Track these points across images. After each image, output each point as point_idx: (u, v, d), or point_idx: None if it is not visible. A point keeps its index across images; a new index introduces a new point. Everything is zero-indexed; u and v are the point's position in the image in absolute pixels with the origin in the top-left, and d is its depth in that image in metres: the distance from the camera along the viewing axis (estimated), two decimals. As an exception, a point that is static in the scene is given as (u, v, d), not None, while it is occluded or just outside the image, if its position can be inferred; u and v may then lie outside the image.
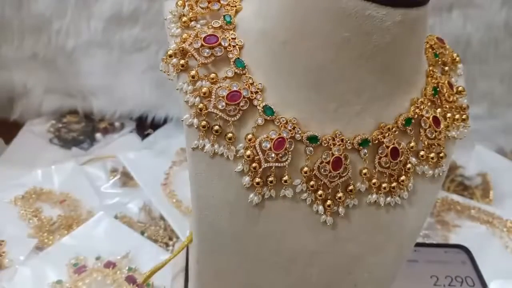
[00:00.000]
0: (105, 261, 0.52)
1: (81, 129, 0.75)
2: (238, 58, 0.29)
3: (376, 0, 0.27)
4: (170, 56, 0.29)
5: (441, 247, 0.56)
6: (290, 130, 0.29)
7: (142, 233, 0.57)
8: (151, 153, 0.67)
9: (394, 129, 0.31)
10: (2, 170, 0.66)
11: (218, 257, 0.33)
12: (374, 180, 0.31)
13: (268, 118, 0.29)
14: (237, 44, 0.30)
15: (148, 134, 0.74)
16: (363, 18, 0.27)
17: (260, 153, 0.29)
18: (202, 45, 0.29)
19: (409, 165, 0.31)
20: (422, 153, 0.32)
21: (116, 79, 0.74)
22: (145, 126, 0.75)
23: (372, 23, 0.27)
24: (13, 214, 0.58)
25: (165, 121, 0.76)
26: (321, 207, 0.30)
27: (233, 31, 0.30)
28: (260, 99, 0.29)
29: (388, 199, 0.32)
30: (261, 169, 0.29)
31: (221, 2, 0.31)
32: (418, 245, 0.55)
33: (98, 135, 0.73)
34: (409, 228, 0.34)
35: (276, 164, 0.29)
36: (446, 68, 0.35)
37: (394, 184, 0.31)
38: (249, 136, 0.29)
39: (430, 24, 0.69)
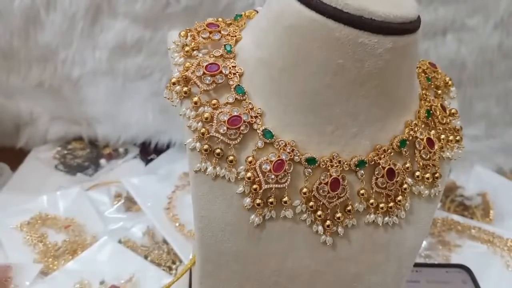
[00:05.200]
0: (109, 286, 0.53)
1: (86, 155, 0.76)
2: (238, 85, 0.31)
3: (368, 29, 0.28)
4: (174, 83, 0.31)
5: (443, 267, 0.56)
6: (289, 153, 0.30)
7: (146, 257, 0.58)
8: (154, 178, 0.68)
9: (389, 150, 0.32)
10: (8, 196, 0.67)
11: (220, 278, 0.33)
12: (371, 200, 0.32)
13: (268, 141, 0.30)
14: (237, 72, 0.31)
15: (151, 159, 0.75)
16: (356, 45, 0.29)
17: (260, 175, 0.30)
18: (204, 73, 0.31)
19: (405, 186, 0.32)
20: (417, 173, 0.33)
21: (120, 106, 0.75)
22: (148, 151, 0.76)
23: (364, 50, 0.29)
24: (19, 239, 0.59)
25: (168, 147, 0.77)
26: (320, 227, 0.31)
27: (233, 59, 0.32)
28: (260, 123, 0.31)
29: (386, 218, 0.32)
30: (261, 190, 0.30)
31: (222, 32, 0.33)
32: (420, 265, 0.56)
33: (102, 161, 0.74)
34: (408, 247, 0.34)
35: (276, 185, 0.30)
36: (439, 91, 0.36)
37: (391, 204, 0.32)
38: (250, 159, 0.30)
39: (425, 48, 0.71)
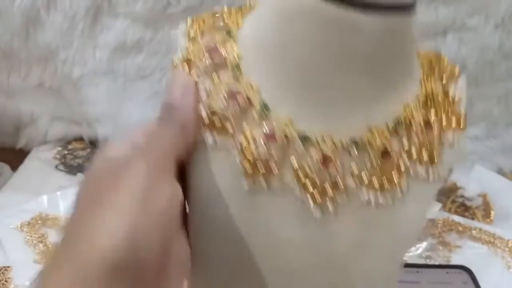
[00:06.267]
0: None
1: (86, 155, 0.76)
2: (237, 65, 0.32)
3: (360, 8, 0.28)
4: (176, 65, 0.32)
5: (443, 268, 0.56)
6: (283, 128, 0.31)
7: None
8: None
9: (384, 131, 0.31)
10: (8, 196, 0.67)
11: (212, 246, 0.34)
12: (365, 179, 0.31)
13: (264, 115, 0.31)
14: (236, 55, 0.32)
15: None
16: (348, 25, 0.28)
17: (253, 146, 0.30)
18: (204, 55, 0.32)
19: (401, 167, 0.31)
20: (414, 154, 0.32)
21: (121, 106, 0.75)
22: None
23: (357, 30, 0.28)
24: (19, 240, 0.58)
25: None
26: (311, 203, 0.31)
27: (234, 43, 0.33)
28: (257, 98, 0.31)
29: (380, 198, 0.32)
30: (254, 161, 0.30)
31: (226, 21, 0.34)
32: (420, 266, 0.56)
33: (103, 161, 0.74)
34: (403, 230, 0.33)
35: (269, 157, 0.31)
36: (444, 79, 0.35)
37: (386, 184, 0.31)
38: (246, 131, 0.31)
39: (425, 48, 0.71)
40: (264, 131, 0.31)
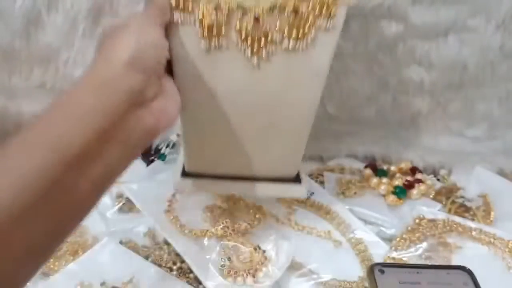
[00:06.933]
0: (110, 287, 0.53)
1: (87, 156, 0.76)
2: None
3: None
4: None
5: (443, 268, 0.56)
6: (227, 2, 0.44)
7: (147, 258, 0.58)
8: (154, 184, 0.68)
9: None
10: (10, 197, 0.67)
11: (188, 94, 0.48)
12: (285, 32, 0.46)
13: None
14: None
15: (153, 160, 0.75)
16: None
17: (207, 16, 0.45)
18: None
19: (309, 20, 0.45)
20: (317, 11, 0.46)
21: (122, 107, 0.75)
22: (149, 152, 0.76)
23: None
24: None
25: (168, 147, 0.77)
26: (249, 52, 0.47)
27: None
28: None
29: (297, 44, 0.46)
30: (208, 27, 0.45)
31: None
32: (420, 266, 0.56)
33: (103, 162, 0.74)
34: (315, 66, 0.49)
35: (218, 22, 0.45)
36: None
37: (300, 33, 0.46)
38: (201, 7, 0.44)
39: (426, 49, 0.71)
40: (214, 5, 0.44)
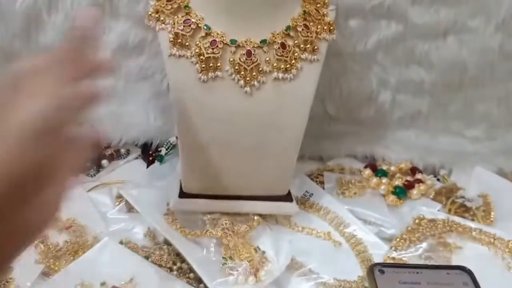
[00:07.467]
0: (110, 287, 0.53)
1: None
2: (186, 5, 0.53)
3: None
4: (151, 14, 0.53)
5: (443, 268, 0.56)
6: (220, 38, 0.52)
7: (147, 258, 0.58)
8: (153, 189, 0.68)
9: (281, 33, 0.53)
10: (10, 197, 0.67)
11: (187, 119, 0.55)
12: (274, 64, 0.53)
13: (207, 31, 0.52)
14: (186, 2, 0.53)
15: (153, 161, 0.75)
16: None
17: (203, 50, 0.51)
18: (167, 4, 0.53)
19: (295, 54, 0.53)
20: (302, 46, 0.53)
21: (122, 107, 0.75)
22: (150, 152, 0.76)
23: None
24: (20, 240, 0.59)
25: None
26: (242, 82, 0.52)
27: None
28: (202, 22, 0.52)
29: (286, 75, 0.53)
30: (204, 58, 0.51)
31: None
32: (420, 267, 0.56)
33: (104, 162, 0.74)
34: (302, 93, 0.55)
35: (213, 55, 0.51)
36: (318, 5, 0.57)
37: (287, 65, 0.53)
38: (197, 43, 0.52)
39: (426, 49, 0.71)
40: (209, 41, 0.51)
